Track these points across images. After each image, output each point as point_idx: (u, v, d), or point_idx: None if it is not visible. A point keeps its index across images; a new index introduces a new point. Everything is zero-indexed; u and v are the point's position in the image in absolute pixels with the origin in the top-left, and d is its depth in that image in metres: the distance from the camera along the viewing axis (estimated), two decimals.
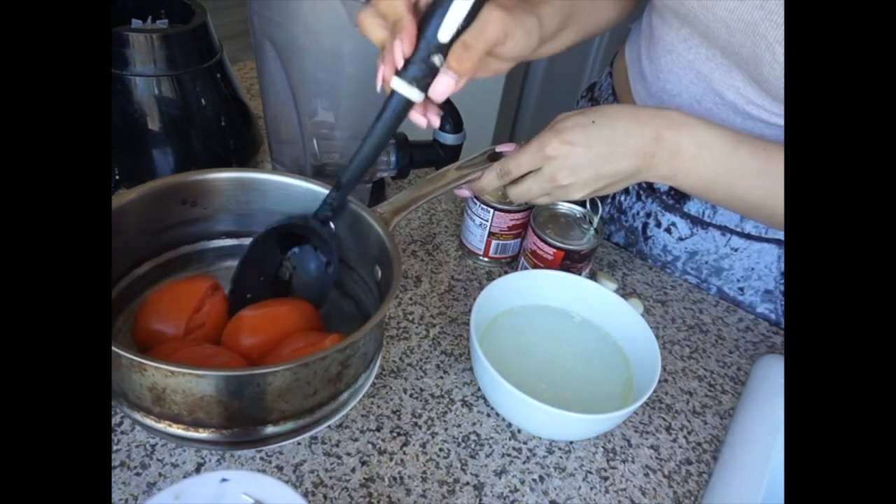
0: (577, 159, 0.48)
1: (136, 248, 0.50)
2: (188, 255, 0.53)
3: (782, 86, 0.48)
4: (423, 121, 0.43)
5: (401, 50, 0.38)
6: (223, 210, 0.52)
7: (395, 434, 0.48)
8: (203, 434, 0.39)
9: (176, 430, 0.40)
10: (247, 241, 0.53)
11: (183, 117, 0.62)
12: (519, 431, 0.50)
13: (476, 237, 0.63)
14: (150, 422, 0.40)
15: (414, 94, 0.40)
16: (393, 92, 0.40)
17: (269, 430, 0.41)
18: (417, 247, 0.66)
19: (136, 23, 0.64)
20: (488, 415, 0.50)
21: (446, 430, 0.49)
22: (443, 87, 0.39)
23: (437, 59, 0.38)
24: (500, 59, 0.46)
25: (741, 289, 0.66)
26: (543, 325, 0.55)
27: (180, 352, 0.43)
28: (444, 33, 0.37)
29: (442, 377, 0.53)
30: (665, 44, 0.58)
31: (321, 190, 0.50)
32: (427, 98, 0.41)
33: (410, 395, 0.51)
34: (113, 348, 0.36)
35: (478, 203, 0.61)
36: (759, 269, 0.64)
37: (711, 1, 0.48)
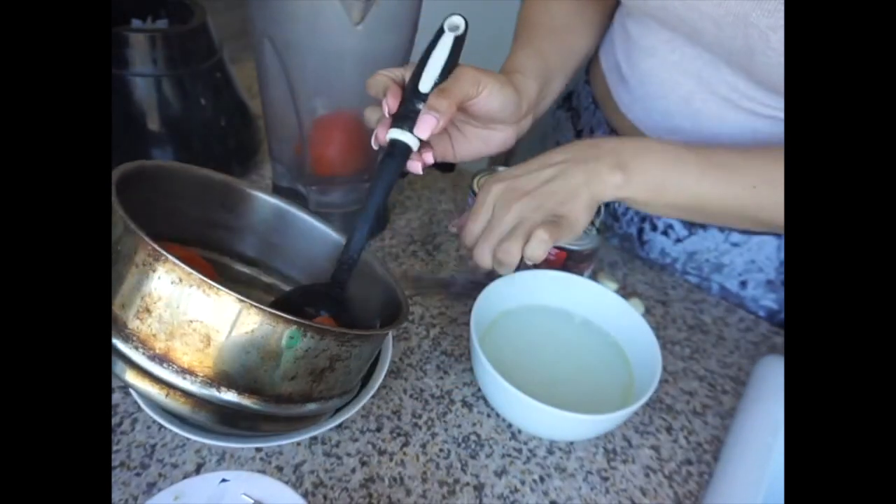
0: (515, 181, 0.48)
1: (161, 221, 0.46)
2: (209, 262, 0.51)
3: (776, 74, 0.48)
4: (419, 165, 0.46)
5: (387, 105, 0.44)
6: (250, 230, 0.51)
7: (395, 434, 0.48)
8: (162, 372, 0.35)
9: (138, 357, 0.35)
10: (263, 276, 0.52)
11: (183, 117, 0.62)
12: (519, 432, 0.49)
13: None
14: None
15: (407, 136, 0.43)
16: (389, 144, 0.44)
17: (231, 396, 0.36)
18: (417, 247, 0.66)
19: (135, 23, 0.64)
20: (488, 415, 0.50)
21: (446, 430, 0.49)
22: (425, 123, 0.43)
23: (420, 106, 0.43)
24: (492, 119, 0.49)
25: (743, 282, 0.65)
26: (544, 326, 0.55)
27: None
28: (425, 84, 0.44)
29: (442, 377, 0.53)
30: (645, 48, 0.58)
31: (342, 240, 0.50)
32: (419, 149, 0.45)
33: (410, 396, 0.51)
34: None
35: None
36: (759, 260, 0.64)
37: (697, 0, 0.48)
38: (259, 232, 0.52)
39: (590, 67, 0.72)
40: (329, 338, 0.37)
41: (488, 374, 0.46)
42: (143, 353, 0.35)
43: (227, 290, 0.34)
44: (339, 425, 0.47)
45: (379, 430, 0.48)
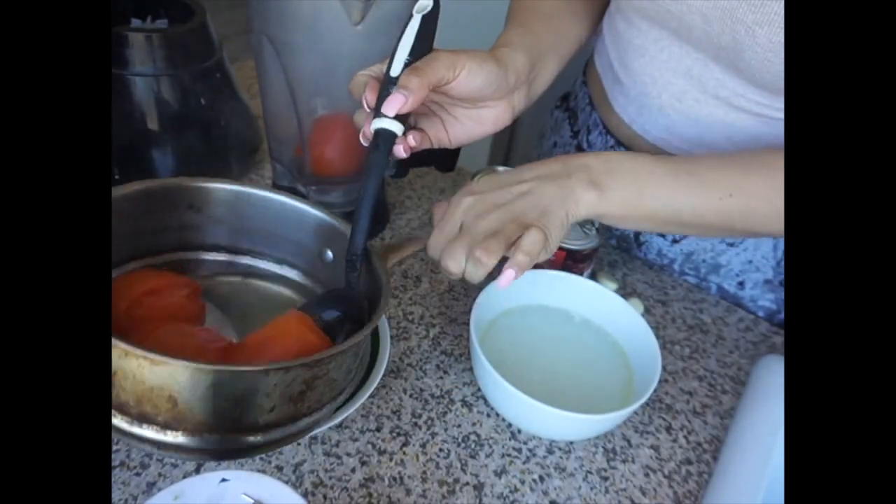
0: (486, 195, 0.45)
1: (133, 244, 0.48)
2: (183, 261, 0.52)
3: (763, 70, 0.48)
4: (400, 148, 0.45)
5: (366, 99, 0.43)
6: (223, 222, 0.51)
7: (394, 434, 0.48)
8: (145, 432, 0.36)
9: (119, 422, 0.36)
10: (243, 259, 0.53)
11: (182, 117, 0.62)
12: (519, 431, 0.50)
13: None
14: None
15: (387, 122, 0.42)
16: (375, 135, 0.43)
17: (216, 440, 0.37)
18: None
19: (135, 22, 0.64)
20: (488, 415, 0.50)
21: (446, 430, 0.49)
22: (392, 101, 0.42)
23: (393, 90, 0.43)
24: (478, 98, 0.48)
25: (741, 283, 0.66)
26: (544, 326, 0.55)
27: (160, 329, 0.41)
28: (395, 68, 0.42)
29: (442, 377, 0.53)
30: (636, 48, 0.58)
31: (322, 216, 0.50)
32: (405, 133, 0.44)
33: (410, 396, 0.51)
34: None
35: None
36: (756, 260, 0.64)
37: None
38: (230, 220, 0.51)
39: (586, 68, 0.72)
40: (294, 369, 0.37)
41: (488, 373, 0.46)
42: (122, 419, 0.36)
43: (171, 359, 0.34)
44: (339, 425, 0.47)
45: (379, 429, 0.48)
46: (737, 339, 0.62)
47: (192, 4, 0.63)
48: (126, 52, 0.57)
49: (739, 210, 0.47)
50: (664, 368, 0.57)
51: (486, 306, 0.52)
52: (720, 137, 0.56)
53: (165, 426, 0.36)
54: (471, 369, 0.53)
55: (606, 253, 0.69)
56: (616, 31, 0.61)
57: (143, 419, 0.36)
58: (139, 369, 0.34)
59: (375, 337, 0.50)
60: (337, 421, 0.43)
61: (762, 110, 0.53)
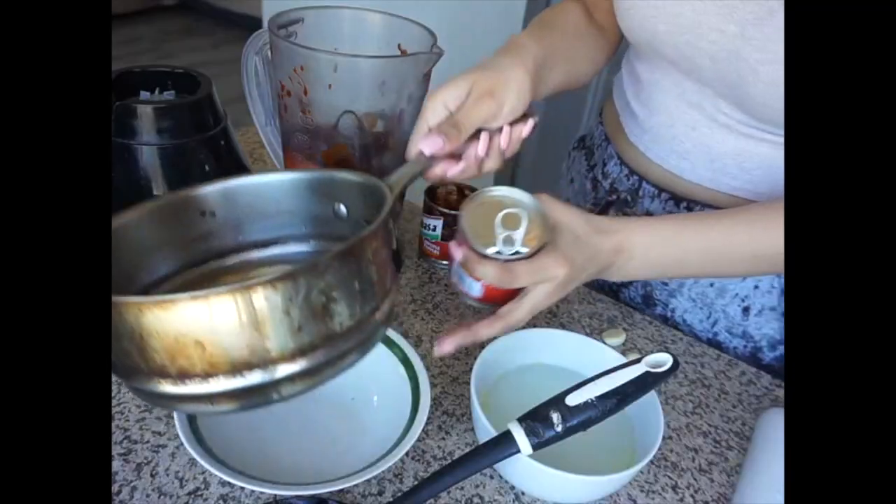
0: (566, 277, 0.48)
1: (159, 263, 0.47)
2: (218, 270, 0.50)
3: (767, 105, 0.52)
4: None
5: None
6: (243, 219, 0.50)
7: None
8: (192, 388, 0.35)
9: (167, 387, 0.35)
10: (272, 250, 0.51)
11: (187, 183, 0.63)
12: (523, 494, 0.49)
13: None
14: (152, 385, 0.35)
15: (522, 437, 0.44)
16: (503, 434, 0.45)
17: (260, 376, 0.35)
18: (417, 306, 0.66)
19: (143, 95, 0.66)
20: (491, 476, 0.50)
21: (449, 493, 0.48)
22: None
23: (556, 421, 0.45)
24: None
25: (746, 308, 0.65)
26: (544, 385, 0.55)
27: None
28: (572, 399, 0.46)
29: (444, 438, 0.52)
30: (654, 83, 0.63)
31: (319, 175, 0.49)
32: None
33: (412, 458, 0.50)
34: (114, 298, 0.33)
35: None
36: (762, 286, 0.64)
37: (695, 36, 0.54)
38: (249, 216, 0.50)
39: (602, 111, 0.76)
40: (301, 278, 0.35)
41: (489, 435, 0.45)
42: (166, 382, 0.35)
43: (173, 297, 0.33)
44: (340, 490, 0.46)
45: (381, 493, 0.47)
46: (739, 392, 0.62)
47: (198, 76, 0.66)
48: (134, 123, 0.59)
49: (768, 263, 0.53)
50: (667, 425, 0.57)
51: (487, 366, 0.52)
52: (731, 163, 0.60)
53: (206, 375, 0.35)
54: (472, 430, 0.53)
55: (606, 308, 0.70)
56: (634, 72, 0.66)
57: (183, 376, 0.35)
58: (158, 322, 0.34)
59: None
60: (338, 488, 0.43)
61: (771, 138, 0.56)
